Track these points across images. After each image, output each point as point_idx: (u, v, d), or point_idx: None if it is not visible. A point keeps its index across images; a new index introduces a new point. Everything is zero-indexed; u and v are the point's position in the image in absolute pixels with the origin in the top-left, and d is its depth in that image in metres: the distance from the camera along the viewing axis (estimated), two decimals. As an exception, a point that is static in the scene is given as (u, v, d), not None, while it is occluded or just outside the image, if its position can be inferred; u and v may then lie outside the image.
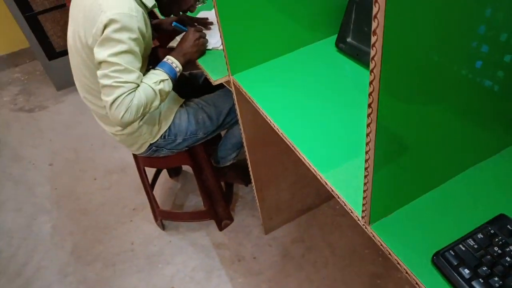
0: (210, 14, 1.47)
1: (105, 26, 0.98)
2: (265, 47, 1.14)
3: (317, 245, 1.60)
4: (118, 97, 1.03)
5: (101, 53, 1.00)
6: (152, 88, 1.09)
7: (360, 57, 1.08)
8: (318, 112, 0.96)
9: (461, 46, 0.54)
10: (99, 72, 1.03)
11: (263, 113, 1.01)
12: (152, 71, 1.15)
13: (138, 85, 1.07)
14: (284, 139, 0.93)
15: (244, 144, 1.32)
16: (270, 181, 1.49)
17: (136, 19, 1.02)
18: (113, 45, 1.00)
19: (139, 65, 1.07)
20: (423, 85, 0.54)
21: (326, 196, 1.74)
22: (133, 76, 1.04)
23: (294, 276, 1.51)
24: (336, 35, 1.15)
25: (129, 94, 1.04)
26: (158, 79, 1.12)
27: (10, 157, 2.34)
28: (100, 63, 1.02)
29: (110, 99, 1.03)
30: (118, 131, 1.28)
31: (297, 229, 1.67)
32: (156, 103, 1.13)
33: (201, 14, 1.48)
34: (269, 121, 0.98)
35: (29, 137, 2.46)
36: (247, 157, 1.36)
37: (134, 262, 1.66)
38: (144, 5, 1.10)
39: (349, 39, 1.10)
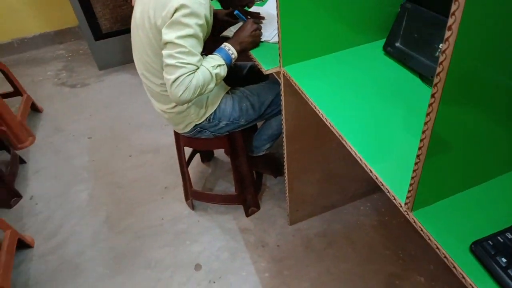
0: (261, 9, 1.56)
1: (176, 10, 1.07)
2: (316, 43, 1.21)
3: (339, 240, 1.66)
4: (180, 76, 1.11)
5: (168, 35, 1.09)
6: (210, 72, 1.18)
7: (407, 61, 1.13)
8: (364, 107, 1.02)
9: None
10: (164, 52, 1.12)
11: (311, 103, 1.07)
12: (210, 55, 1.23)
13: (198, 68, 1.16)
14: (331, 128, 0.99)
15: (284, 134, 1.39)
16: (301, 173, 1.56)
17: (204, 6, 1.11)
18: (181, 28, 1.08)
19: (200, 49, 1.16)
20: (478, 91, 0.61)
21: (351, 196, 1.79)
22: (195, 58, 1.13)
23: (314, 266, 1.57)
24: (385, 39, 1.21)
25: (189, 74, 1.13)
26: (215, 64, 1.20)
27: (52, 127, 2.47)
28: (166, 43, 1.11)
29: (172, 77, 1.11)
30: (168, 108, 1.37)
31: (320, 224, 1.73)
32: (212, 85, 1.21)
33: (252, 9, 1.56)
34: (317, 111, 1.05)
35: (70, 111, 2.59)
36: (285, 147, 1.43)
37: (163, 236, 1.75)
38: (209, -4, 1.19)
39: (397, 44, 1.16)
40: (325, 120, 1.02)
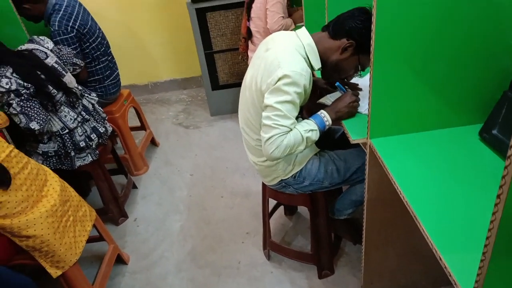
0: (360, 81, 1.64)
1: (279, 79, 1.23)
2: (407, 119, 1.24)
3: (414, 326, 1.54)
4: (273, 136, 1.25)
5: (269, 99, 1.25)
6: (302, 135, 1.30)
7: (503, 150, 1.09)
8: (447, 191, 1.01)
9: None
10: (263, 113, 1.28)
11: (392, 180, 1.10)
12: (306, 120, 1.36)
13: (291, 130, 1.29)
14: (408, 208, 1.00)
15: (365, 204, 1.41)
16: (380, 245, 1.53)
17: (304, 77, 1.25)
18: (281, 94, 1.24)
19: (295, 114, 1.29)
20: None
21: (435, 281, 1.67)
22: (289, 122, 1.26)
23: None
24: (481, 124, 1.19)
25: (282, 135, 1.26)
26: (308, 128, 1.32)
27: (163, 160, 2.83)
28: (266, 106, 1.27)
29: (266, 136, 1.26)
30: (259, 161, 1.51)
31: (396, 303, 1.64)
32: (301, 147, 1.32)
33: (352, 80, 1.66)
34: (396, 188, 1.07)
35: (181, 148, 2.95)
36: (364, 216, 1.44)
37: (237, 279, 1.84)
38: (312, 67, 1.34)
39: (494, 131, 1.13)
40: (402, 198, 1.04)
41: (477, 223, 0.90)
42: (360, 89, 1.57)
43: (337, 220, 1.79)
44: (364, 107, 1.46)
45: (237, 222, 2.18)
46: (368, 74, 1.76)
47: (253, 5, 2.42)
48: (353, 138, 1.31)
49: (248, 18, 2.50)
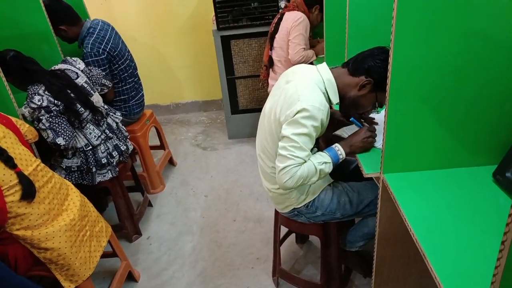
0: (377, 116, 1.67)
1: (298, 112, 1.27)
2: (422, 157, 1.25)
3: None
4: (287, 166, 1.29)
5: (287, 130, 1.29)
6: (315, 167, 1.33)
7: (517, 194, 1.09)
8: (458, 232, 1.01)
9: None
10: (280, 143, 1.32)
11: (403, 216, 1.11)
12: (320, 152, 1.39)
13: (305, 161, 1.32)
14: (417, 246, 1.01)
15: (376, 238, 1.41)
16: (389, 280, 1.52)
17: (322, 112, 1.30)
18: (298, 126, 1.28)
19: (311, 146, 1.32)
20: None
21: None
22: (304, 153, 1.30)
23: None
24: (496, 165, 1.19)
25: (296, 166, 1.29)
26: (322, 161, 1.35)
27: (180, 180, 2.89)
28: (283, 137, 1.31)
29: (281, 165, 1.30)
30: (273, 188, 1.54)
31: None
32: (314, 179, 1.35)
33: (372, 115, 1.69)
34: (406, 225, 1.08)
35: (197, 169, 3.01)
36: (375, 250, 1.44)
37: (245, 305, 1.84)
38: (330, 101, 1.38)
39: (508, 174, 1.14)
40: (412, 235, 1.04)
41: (486, 265, 0.90)
42: (376, 123, 1.60)
43: (348, 252, 1.78)
44: (379, 141, 1.48)
45: (248, 247, 2.19)
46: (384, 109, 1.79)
47: (276, 36, 2.51)
48: (367, 172, 1.33)
49: (271, 47, 2.58)
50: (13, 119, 1.59)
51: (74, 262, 1.53)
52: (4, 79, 1.72)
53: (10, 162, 1.41)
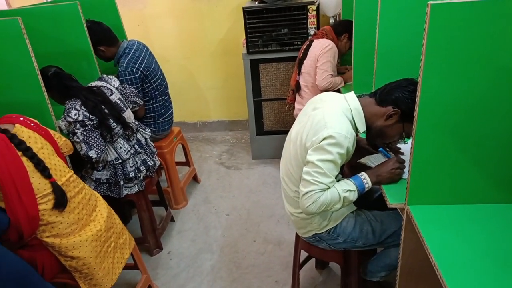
0: (404, 146, 1.66)
1: (324, 138, 1.29)
2: (448, 190, 1.24)
3: None
4: (310, 191, 1.30)
5: (312, 156, 1.31)
6: (339, 194, 1.33)
7: (548, 234, 1.06)
8: (483, 270, 0.99)
9: None
10: (304, 168, 1.34)
11: (427, 250, 1.09)
12: (345, 180, 1.40)
13: (329, 188, 1.33)
14: (441, 282, 0.99)
15: (398, 271, 1.39)
16: (412, 316, 1.47)
17: (349, 140, 1.31)
18: (323, 153, 1.29)
19: (336, 173, 1.33)
20: None
21: None
22: (328, 180, 1.31)
23: None
24: (527, 203, 1.17)
25: (319, 192, 1.30)
26: (347, 188, 1.35)
27: (202, 198, 2.93)
28: (308, 162, 1.33)
29: (304, 190, 1.31)
30: (295, 212, 1.55)
31: None
32: (338, 206, 1.35)
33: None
34: (431, 259, 1.06)
35: (220, 188, 3.04)
36: (397, 283, 1.41)
37: (260, 329, 1.82)
38: (357, 129, 1.39)
39: (540, 213, 1.11)
40: (436, 270, 1.03)
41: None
42: (402, 153, 1.59)
43: (369, 282, 1.75)
44: (405, 172, 1.47)
45: (267, 269, 2.18)
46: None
47: (305, 62, 2.56)
48: (391, 202, 1.32)
49: (299, 72, 2.63)
50: (51, 131, 1.68)
51: (98, 272, 1.58)
52: (45, 93, 1.83)
53: (45, 172, 1.48)
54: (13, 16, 1.69)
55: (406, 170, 1.44)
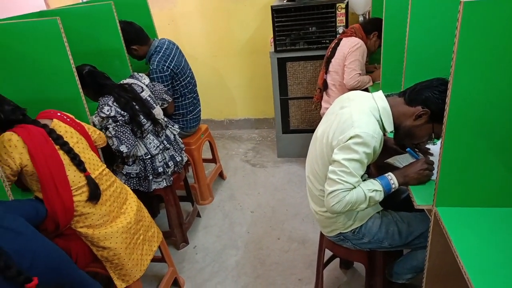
0: (433, 147, 1.62)
1: (350, 137, 1.29)
2: (478, 193, 1.20)
3: None
4: (336, 190, 1.30)
5: (338, 155, 1.31)
6: (365, 194, 1.32)
7: None
8: (514, 276, 0.97)
9: None
10: (330, 167, 1.34)
11: (455, 253, 1.07)
12: (371, 179, 1.39)
13: (355, 187, 1.32)
14: (469, 286, 0.97)
15: (424, 273, 1.36)
16: (438, 320, 1.45)
17: (376, 140, 1.30)
18: (350, 152, 1.29)
19: (361, 172, 1.33)
20: None
21: None
22: (354, 179, 1.30)
23: None
24: None
25: (345, 191, 1.30)
26: (373, 188, 1.34)
27: (228, 194, 2.97)
28: (334, 161, 1.33)
29: (330, 189, 1.31)
30: (320, 211, 1.55)
31: None
32: (363, 206, 1.35)
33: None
34: (458, 262, 1.05)
35: (245, 185, 3.07)
36: (423, 286, 1.39)
37: (283, 325, 1.84)
38: (384, 129, 1.38)
39: None
40: (464, 273, 1.01)
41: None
42: (431, 154, 1.56)
43: (395, 284, 1.73)
44: (434, 173, 1.44)
45: (290, 267, 2.19)
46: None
47: (332, 60, 2.54)
48: (418, 203, 1.30)
49: (326, 71, 2.61)
50: (86, 125, 1.75)
51: (127, 262, 1.64)
52: (81, 90, 1.91)
53: (81, 166, 1.56)
54: (52, 16, 1.77)
55: (434, 171, 1.42)
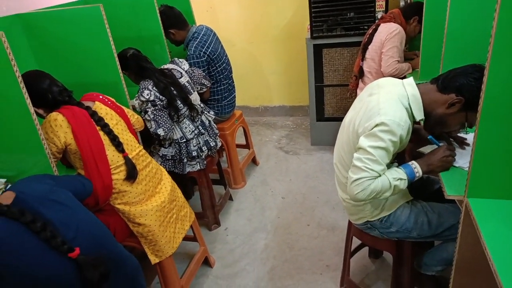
0: (469, 136, 1.57)
1: (376, 125, 1.27)
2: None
3: None
4: (360, 178, 1.30)
5: (363, 142, 1.30)
6: (390, 182, 1.31)
7: None
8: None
9: None
10: (355, 154, 1.33)
11: (484, 246, 1.05)
12: (395, 168, 1.37)
13: (380, 175, 1.31)
14: (497, 281, 0.95)
15: (453, 266, 1.34)
16: (466, 313, 1.42)
17: (402, 128, 1.28)
18: (376, 140, 1.28)
19: (387, 160, 1.31)
20: None
21: None
22: (379, 167, 1.29)
23: None
24: None
25: (369, 179, 1.29)
26: (397, 177, 1.33)
27: (260, 180, 3.02)
28: (359, 148, 1.32)
29: (354, 177, 1.31)
30: (348, 198, 1.55)
31: None
32: (387, 194, 1.33)
33: (461, 134, 1.60)
34: (487, 255, 1.02)
35: (278, 171, 3.10)
36: (452, 278, 1.37)
37: (309, 309, 1.87)
38: (414, 117, 1.35)
39: None
40: (491, 266, 0.99)
41: None
42: (468, 144, 1.51)
43: (423, 275, 1.70)
44: (460, 161, 1.39)
45: (319, 253, 2.21)
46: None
47: (369, 47, 2.48)
48: (448, 193, 1.27)
49: (363, 58, 2.56)
50: (125, 109, 1.85)
51: (161, 239, 1.73)
52: (121, 74, 2.01)
53: (120, 147, 1.65)
54: (94, 3, 1.87)
55: (466, 161, 1.38)
